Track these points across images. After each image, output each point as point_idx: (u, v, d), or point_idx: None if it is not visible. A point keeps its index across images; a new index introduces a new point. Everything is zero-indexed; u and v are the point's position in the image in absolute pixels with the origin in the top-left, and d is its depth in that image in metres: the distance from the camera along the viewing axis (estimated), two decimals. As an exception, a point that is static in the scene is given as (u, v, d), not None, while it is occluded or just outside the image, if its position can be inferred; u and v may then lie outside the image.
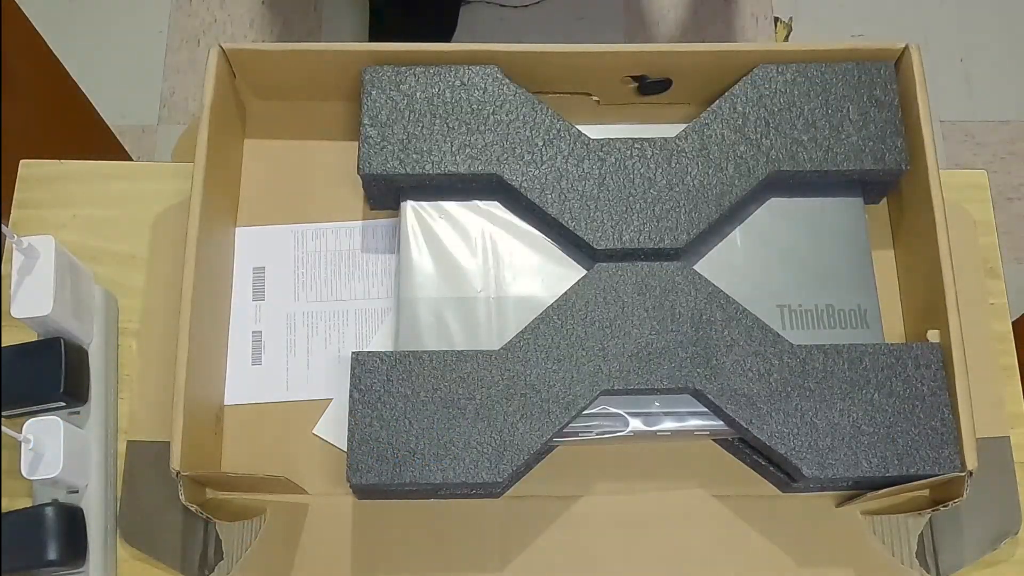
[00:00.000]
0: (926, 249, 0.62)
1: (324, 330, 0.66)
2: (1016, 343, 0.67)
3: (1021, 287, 0.87)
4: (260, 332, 0.66)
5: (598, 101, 0.70)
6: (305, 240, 0.68)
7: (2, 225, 0.56)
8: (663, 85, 0.68)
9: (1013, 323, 0.67)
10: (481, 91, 0.64)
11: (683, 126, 0.64)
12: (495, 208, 0.65)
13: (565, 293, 0.61)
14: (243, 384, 0.64)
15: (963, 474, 0.56)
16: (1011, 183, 1.51)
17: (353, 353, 0.59)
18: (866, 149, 0.63)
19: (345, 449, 0.57)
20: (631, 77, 0.68)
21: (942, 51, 1.56)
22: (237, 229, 0.68)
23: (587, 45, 0.65)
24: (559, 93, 0.68)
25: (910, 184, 0.64)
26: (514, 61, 0.65)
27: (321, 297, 0.67)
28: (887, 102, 0.64)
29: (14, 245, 0.58)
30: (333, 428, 0.63)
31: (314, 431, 0.63)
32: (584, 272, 0.62)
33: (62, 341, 0.61)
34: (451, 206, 0.65)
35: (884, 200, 0.69)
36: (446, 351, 0.59)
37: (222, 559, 0.60)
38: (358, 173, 0.63)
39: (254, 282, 0.67)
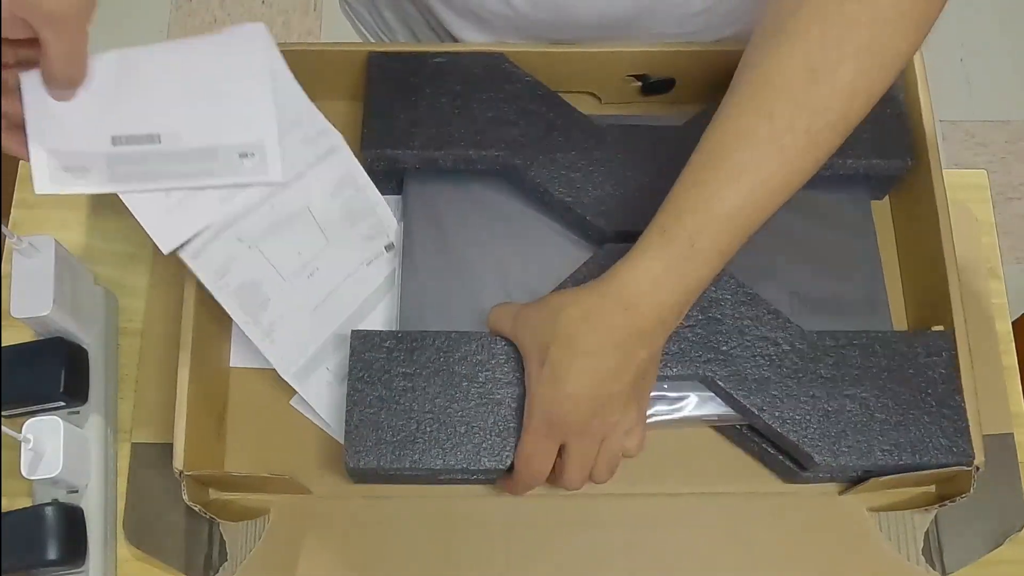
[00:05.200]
0: (929, 246, 0.62)
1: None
2: (1016, 343, 0.67)
3: (1021, 287, 0.87)
4: None
5: (600, 100, 0.70)
6: None
7: (2, 225, 0.56)
8: (666, 85, 0.68)
9: (1013, 323, 0.67)
10: (488, 77, 0.63)
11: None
12: (500, 191, 0.64)
13: (571, 275, 0.60)
14: (234, 348, 0.65)
15: (970, 468, 0.56)
16: (1011, 183, 1.51)
17: (353, 331, 0.57)
18: (871, 144, 0.63)
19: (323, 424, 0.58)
20: (634, 76, 0.67)
21: (942, 51, 1.56)
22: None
23: (590, 44, 0.65)
24: (562, 92, 0.68)
25: (913, 181, 0.64)
26: (517, 60, 0.65)
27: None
28: (891, 97, 0.64)
29: (14, 245, 0.58)
30: (313, 399, 0.62)
31: (291, 403, 0.63)
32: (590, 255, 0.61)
33: (62, 341, 0.60)
34: (456, 189, 0.64)
35: (887, 198, 0.68)
36: (450, 331, 0.57)
37: (226, 560, 0.60)
38: (361, 151, 0.61)
39: None
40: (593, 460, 0.54)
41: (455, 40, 0.71)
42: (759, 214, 0.49)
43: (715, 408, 0.59)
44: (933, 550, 0.61)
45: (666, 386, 0.59)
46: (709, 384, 0.58)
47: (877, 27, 0.47)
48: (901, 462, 0.56)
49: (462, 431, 0.55)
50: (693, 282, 0.50)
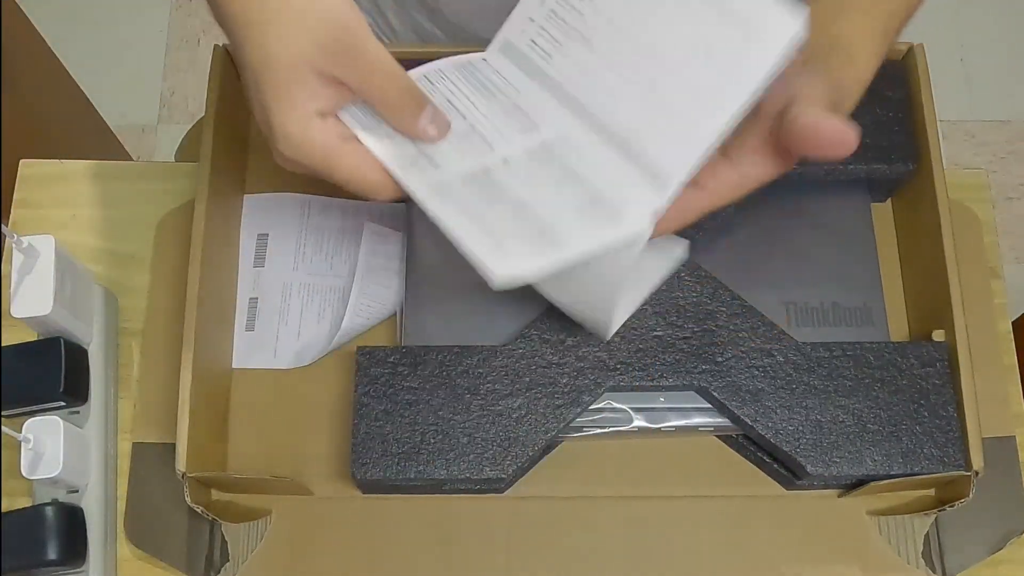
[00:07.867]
0: (931, 248, 0.62)
1: (318, 304, 0.65)
2: (1016, 343, 0.67)
3: (1021, 287, 0.87)
4: (256, 299, 0.65)
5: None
6: (312, 211, 0.67)
7: (2, 225, 0.56)
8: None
9: (1013, 323, 0.67)
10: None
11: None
12: None
13: None
14: (236, 349, 0.65)
15: (968, 473, 0.56)
16: (1011, 183, 1.51)
17: (358, 347, 0.58)
18: (873, 147, 0.63)
19: None
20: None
21: (942, 51, 1.56)
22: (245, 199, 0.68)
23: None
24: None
25: (915, 183, 0.64)
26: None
27: (320, 271, 0.66)
28: (894, 100, 0.64)
29: (14, 245, 0.58)
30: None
31: None
32: None
33: (62, 341, 0.60)
34: None
35: (888, 199, 0.68)
36: (451, 346, 0.58)
37: (228, 561, 0.60)
38: None
39: (256, 248, 0.67)
40: None
41: (463, 32, 0.71)
42: None
43: (712, 418, 0.60)
44: (934, 552, 0.61)
45: (662, 398, 0.60)
46: (704, 395, 0.59)
47: None
48: (892, 472, 0.56)
49: (465, 442, 0.56)
50: None
